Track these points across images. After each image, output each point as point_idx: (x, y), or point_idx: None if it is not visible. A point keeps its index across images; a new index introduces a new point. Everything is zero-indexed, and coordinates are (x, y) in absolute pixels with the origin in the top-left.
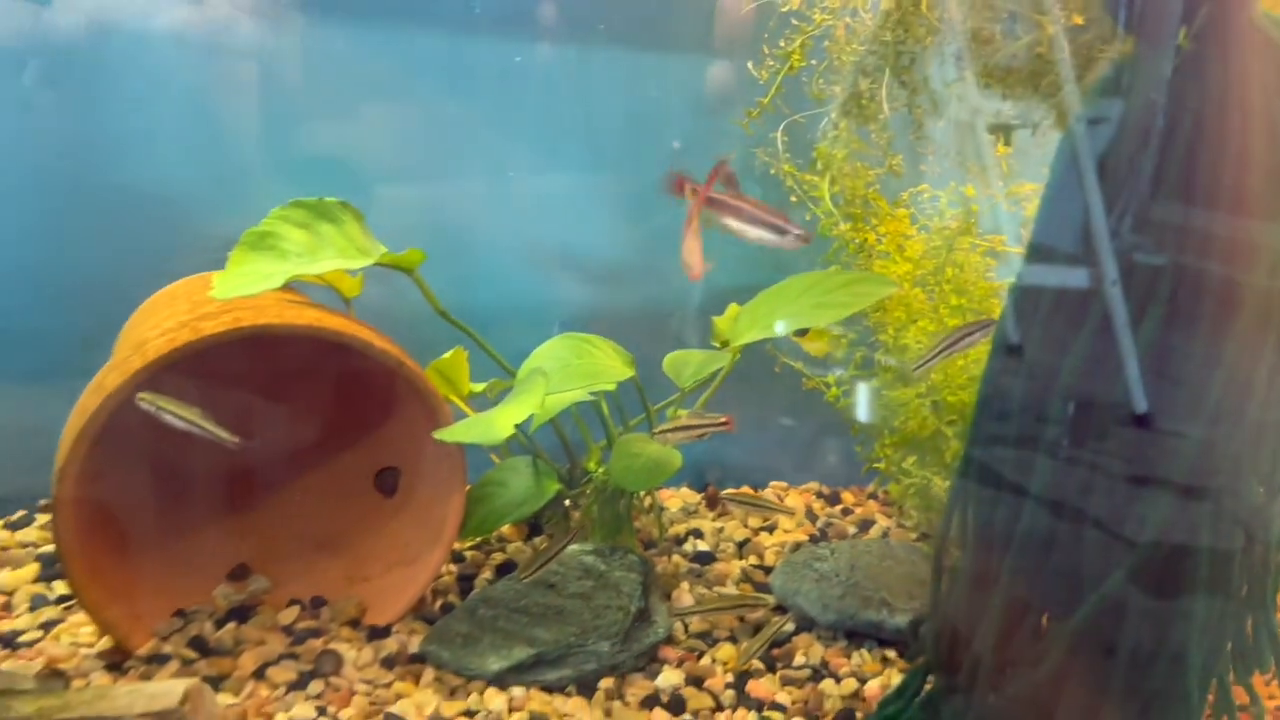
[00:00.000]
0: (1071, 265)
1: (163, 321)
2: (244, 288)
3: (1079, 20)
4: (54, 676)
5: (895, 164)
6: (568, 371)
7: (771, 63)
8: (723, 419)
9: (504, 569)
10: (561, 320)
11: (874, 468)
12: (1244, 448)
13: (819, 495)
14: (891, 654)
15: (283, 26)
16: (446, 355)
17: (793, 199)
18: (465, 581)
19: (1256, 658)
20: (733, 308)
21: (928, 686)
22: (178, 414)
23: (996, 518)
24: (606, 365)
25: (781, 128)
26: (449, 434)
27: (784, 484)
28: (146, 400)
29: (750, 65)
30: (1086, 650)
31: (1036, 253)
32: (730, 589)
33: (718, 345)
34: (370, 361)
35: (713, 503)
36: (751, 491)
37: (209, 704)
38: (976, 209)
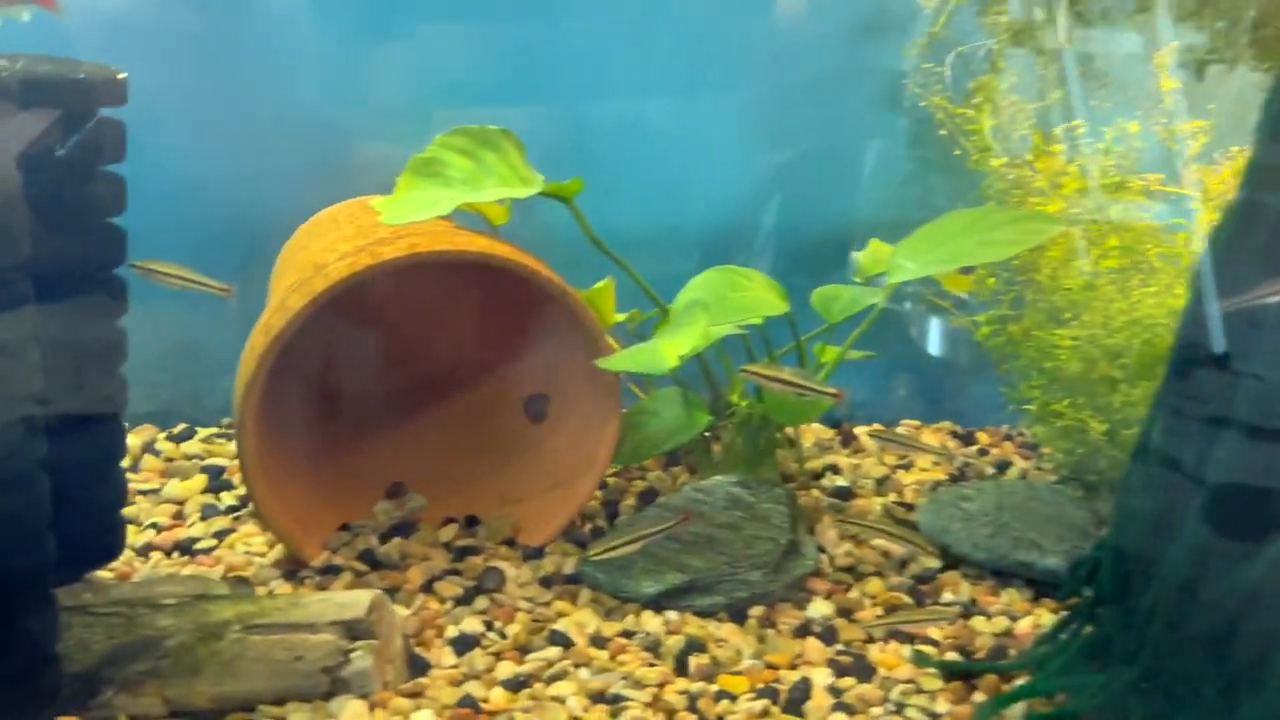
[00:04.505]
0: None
1: (336, 244)
2: (413, 214)
3: None
4: (241, 583)
5: (1060, 97)
6: (722, 304)
7: None
8: (833, 390)
9: (646, 495)
10: (702, 250)
11: (1021, 409)
12: None
13: (953, 435)
14: (1041, 595)
15: None
16: (598, 285)
17: (942, 132)
18: (610, 507)
19: None
20: (874, 243)
21: (1088, 629)
22: (171, 274)
23: (1185, 462)
24: (761, 299)
25: (951, 57)
26: (613, 363)
27: (916, 422)
28: (139, 268)
29: None
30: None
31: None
32: None
33: (858, 281)
34: (533, 289)
35: (848, 439)
36: (883, 429)
37: (390, 615)
38: (1141, 146)
